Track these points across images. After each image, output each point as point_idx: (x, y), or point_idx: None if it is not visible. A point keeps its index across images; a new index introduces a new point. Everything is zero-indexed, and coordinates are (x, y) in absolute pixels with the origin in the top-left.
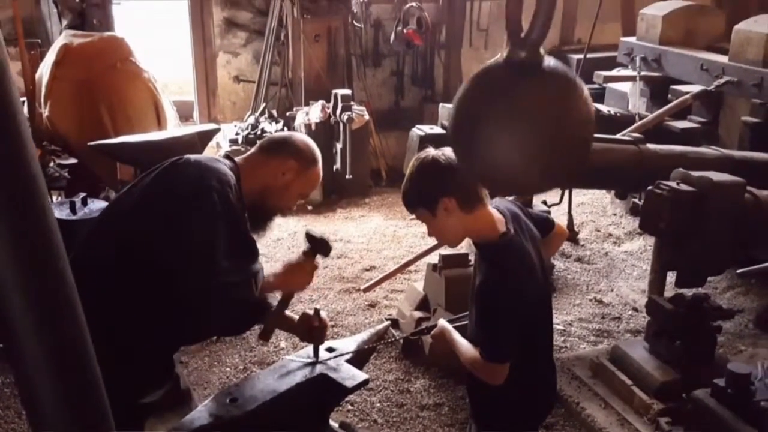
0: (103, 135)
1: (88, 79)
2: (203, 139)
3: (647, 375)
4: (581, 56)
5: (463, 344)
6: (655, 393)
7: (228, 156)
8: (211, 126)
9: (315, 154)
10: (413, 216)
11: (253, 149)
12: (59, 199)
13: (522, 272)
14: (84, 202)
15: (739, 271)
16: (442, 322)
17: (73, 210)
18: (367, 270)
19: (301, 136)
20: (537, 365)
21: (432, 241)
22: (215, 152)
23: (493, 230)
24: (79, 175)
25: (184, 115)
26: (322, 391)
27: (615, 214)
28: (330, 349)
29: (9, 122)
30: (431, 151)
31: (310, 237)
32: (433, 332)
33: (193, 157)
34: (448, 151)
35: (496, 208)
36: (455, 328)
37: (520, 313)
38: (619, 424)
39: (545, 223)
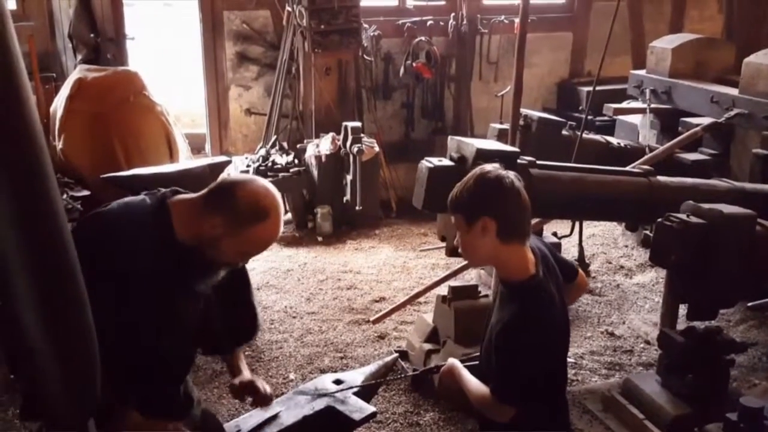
0: (116, 168)
1: (101, 113)
2: (214, 171)
3: (659, 409)
4: (591, 89)
5: (472, 381)
6: (667, 427)
7: (160, 194)
8: (222, 158)
9: (258, 212)
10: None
11: (203, 191)
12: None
13: (548, 318)
14: None
15: (750, 304)
16: (453, 360)
17: None
18: (376, 301)
19: (252, 187)
20: (551, 405)
21: (441, 273)
22: None
23: (524, 270)
24: (92, 207)
25: (196, 148)
26: (330, 424)
27: (626, 246)
28: (338, 382)
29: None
30: (499, 169)
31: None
32: (442, 369)
33: (107, 207)
34: (513, 176)
35: (529, 247)
36: (466, 367)
37: (541, 359)
38: None
39: (570, 270)
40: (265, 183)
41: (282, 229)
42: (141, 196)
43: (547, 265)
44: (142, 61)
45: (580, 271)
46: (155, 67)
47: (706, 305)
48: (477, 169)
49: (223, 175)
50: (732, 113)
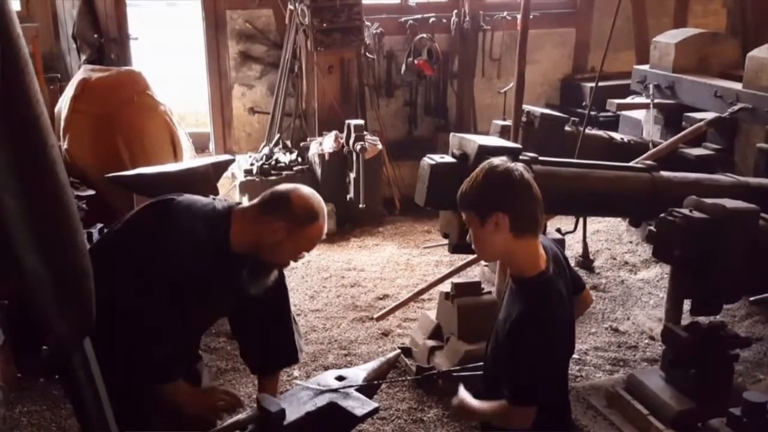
0: (120, 167)
1: (105, 113)
2: (218, 170)
3: (663, 404)
4: (594, 84)
5: (485, 406)
6: (671, 422)
7: (227, 204)
8: (226, 157)
9: (311, 213)
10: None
11: (255, 200)
12: None
13: (557, 315)
14: (101, 233)
15: (752, 298)
16: (460, 395)
17: (90, 241)
18: (380, 299)
19: (303, 192)
20: (556, 404)
21: (445, 270)
22: (231, 183)
23: (534, 265)
24: (96, 206)
25: (200, 147)
26: (333, 420)
27: (630, 242)
28: (340, 378)
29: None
30: (507, 162)
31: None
32: (453, 407)
33: (179, 199)
34: (522, 168)
35: (541, 243)
36: (462, 377)
37: (553, 356)
38: None
39: (576, 282)
40: (310, 189)
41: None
42: (209, 199)
43: (558, 264)
44: (146, 61)
45: (587, 287)
46: (159, 67)
47: (710, 300)
48: (485, 164)
49: (275, 188)
50: (736, 108)
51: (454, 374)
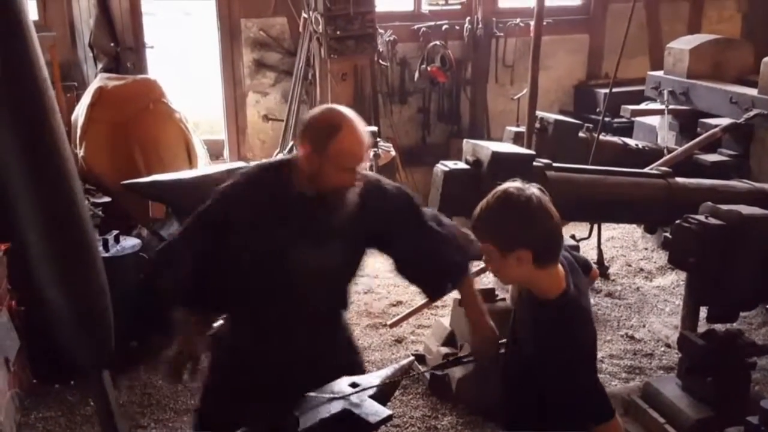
0: (136, 174)
1: (121, 121)
2: (232, 176)
3: (680, 413)
4: (608, 90)
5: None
6: (688, 431)
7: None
8: (240, 164)
9: (331, 126)
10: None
11: None
12: None
13: (585, 332)
14: (117, 240)
15: None
16: None
17: (106, 247)
18: (394, 305)
19: (322, 108)
20: None
21: None
22: None
23: (556, 287)
24: (112, 213)
25: (215, 154)
26: (346, 428)
27: (646, 249)
28: (354, 385)
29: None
30: (521, 187)
31: None
32: None
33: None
34: (537, 192)
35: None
36: (455, 361)
37: (591, 366)
38: None
39: (584, 266)
40: (334, 105)
41: (364, 136)
42: (283, 155)
43: (575, 273)
44: (161, 69)
45: (593, 266)
46: (174, 75)
47: (726, 308)
48: (500, 192)
49: None
50: (751, 113)
51: (464, 360)
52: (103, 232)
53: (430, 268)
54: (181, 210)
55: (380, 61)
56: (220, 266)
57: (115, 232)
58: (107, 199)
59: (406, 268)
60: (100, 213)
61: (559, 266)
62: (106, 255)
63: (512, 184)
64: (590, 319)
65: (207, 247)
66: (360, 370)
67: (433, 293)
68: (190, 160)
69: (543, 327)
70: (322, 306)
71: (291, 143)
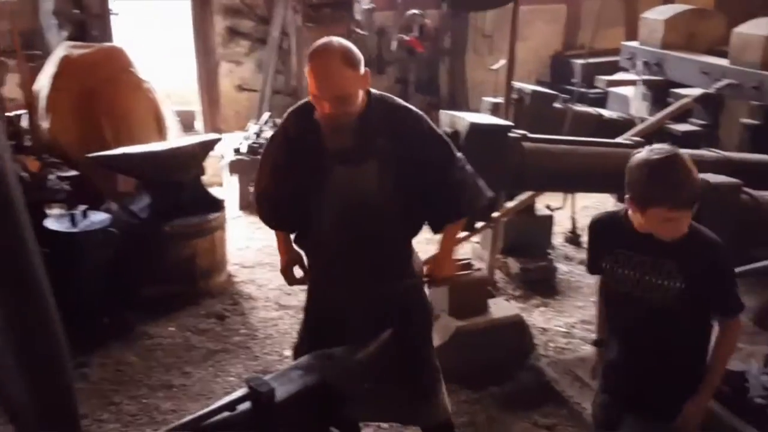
0: (104, 146)
1: (88, 91)
2: (204, 149)
3: None
4: (584, 61)
5: (716, 369)
6: None
7: None
8: (213, 136)
9: (311, 52)
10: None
11: None
12: (60, 211)
13: None
14: (85, 215)
15: (736, 270)
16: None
17: (73, 222)
18: None
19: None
20: None
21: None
22: (218, 162)
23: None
24: (80, 187)
25: (187, 125)
26: (323, 398)
27: None
28: (331, 356)
29: None
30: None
31: None
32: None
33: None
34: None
35: None
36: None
37: None
38: None
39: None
40: (330, 37)
41: (331, 68)
42: None
43: None
44: (130, 37)
45: None
46: (144, 44)
47: None
48: (678, 158)
49: None
50: (721, 84)
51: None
52: (70, 207)
53: (441, 205)
54: (151, 184)
55: (358, 30)
56: (294, 183)
57: (83, 207)
58: (74, 172)
59: (426, 195)
60: (66, 187)
61: None
62: (75, 230)
63: (668, 148)
64: None
65: (281, 161)
66: (416, 293)
67: (435, 227)
68: (161, 132)
69: (693, 248)
70: (367, 230)
71: (267, 114)
